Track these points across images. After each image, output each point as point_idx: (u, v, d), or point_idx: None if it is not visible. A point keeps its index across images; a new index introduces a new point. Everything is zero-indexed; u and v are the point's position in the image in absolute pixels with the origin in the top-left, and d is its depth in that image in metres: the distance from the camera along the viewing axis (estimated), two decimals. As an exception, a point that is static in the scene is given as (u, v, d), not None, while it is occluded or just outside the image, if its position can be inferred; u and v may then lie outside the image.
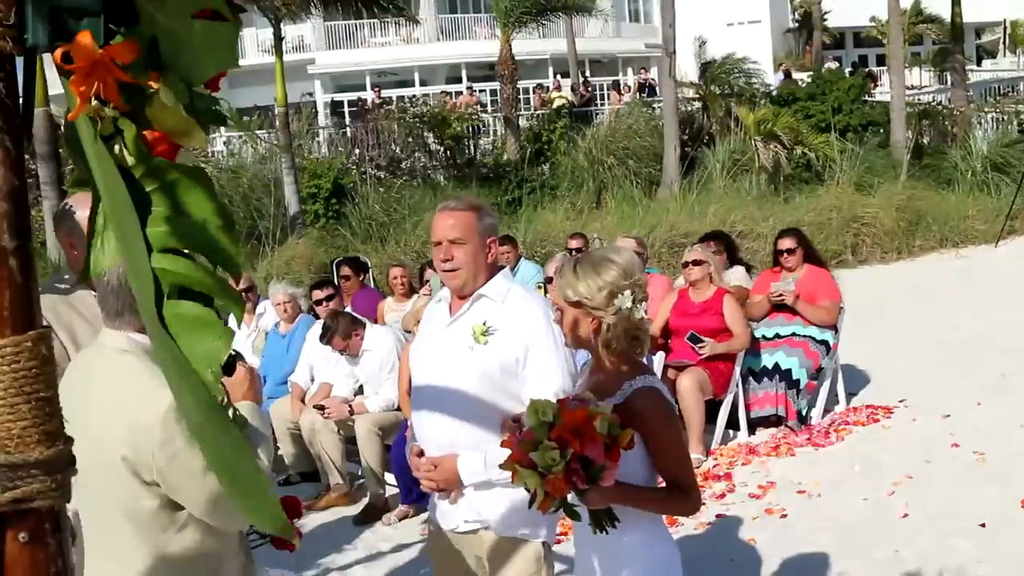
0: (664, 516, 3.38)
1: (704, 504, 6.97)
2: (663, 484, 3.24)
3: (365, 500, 7.64)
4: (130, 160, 1.36)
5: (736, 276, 9.34)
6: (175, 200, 1.35)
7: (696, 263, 8.39)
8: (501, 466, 3.01)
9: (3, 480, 1.37)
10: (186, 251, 1.36)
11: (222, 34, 1.31)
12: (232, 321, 9.85)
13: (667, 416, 3.17)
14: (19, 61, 1.39)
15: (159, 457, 2.65)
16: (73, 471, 1.46)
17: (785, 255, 8.92)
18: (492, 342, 3.64)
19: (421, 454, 3.78)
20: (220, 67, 1.34)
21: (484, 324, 3.65)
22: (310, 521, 7.44)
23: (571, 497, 2.93)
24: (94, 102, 1.31)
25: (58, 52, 1.28)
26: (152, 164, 1.36)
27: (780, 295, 8.66)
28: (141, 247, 1.33)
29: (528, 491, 2.89)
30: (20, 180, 1.38)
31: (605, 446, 2.82)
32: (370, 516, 7.43)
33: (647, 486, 3.17)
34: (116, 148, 1.36)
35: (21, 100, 1.39)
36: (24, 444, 1.38)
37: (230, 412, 1.39)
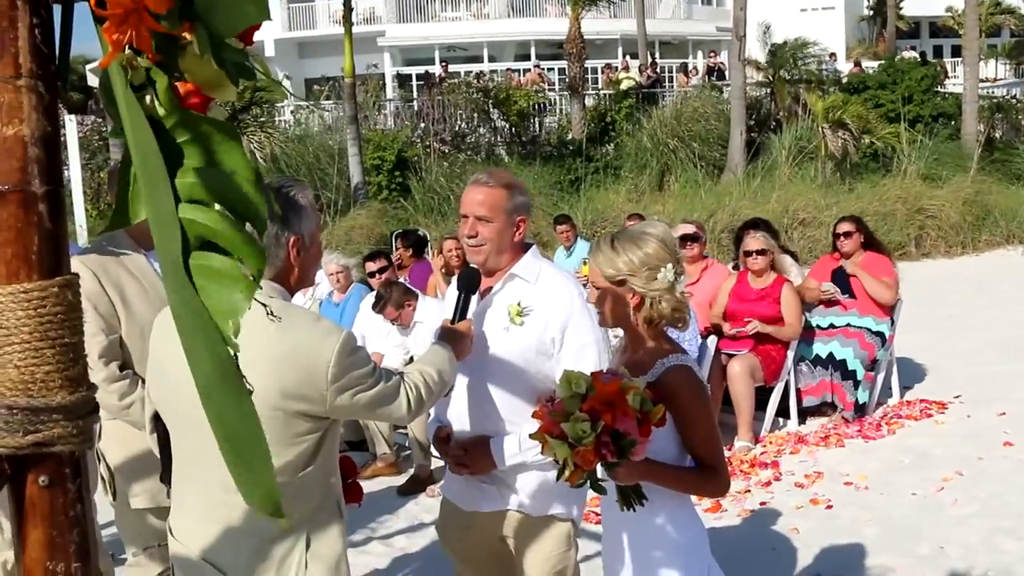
0: (696, 498, 3.35)
1: (749, 491, 6.96)
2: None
3: (410, 471, 7.68)
4: (161, 111, 1.36)
5: (788, 266, 9.28)
6: (204, 152, 1.35)
7: (761, 252, 8.31)
8: (531, 436, 3.00)
9: (25, 423, 1.38)
10: (213, 204, 1.36)
11: (252, -13, 1.31)
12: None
13: (698, 395, 3.13)
14: (57, 10, 1.40)
15: (336, 386, 2.82)
16: (96, 418, 1.48)
17: (842, 238, 8.90)
18: (528, 323, 3.60)
19: (448, 438, 3.75)
20: (251, 20, 1.34)
21: (519, 305, 3.61)
22: (355, 489, 7.50)
23: (600, 472, 2.92)
24: (127, 51, 1.32)
25: (93, -1, 1.28)
26: (182, 115, 1.36)
27: (831, 294, 8.64)
28: (169, 197, 1.33)
29: (557, 463, 2.89)
30: (53, 127, 1.39)
31: (637, 421, 2.80)
32: (414, 487, 7.47)
33: (676, 465, 3.14)
34: (148, 98, 1.36)
35: (58, 48, 1.41)
36: (47, 389, 1.39)
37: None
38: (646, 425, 2.84)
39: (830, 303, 8.78)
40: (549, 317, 3.60)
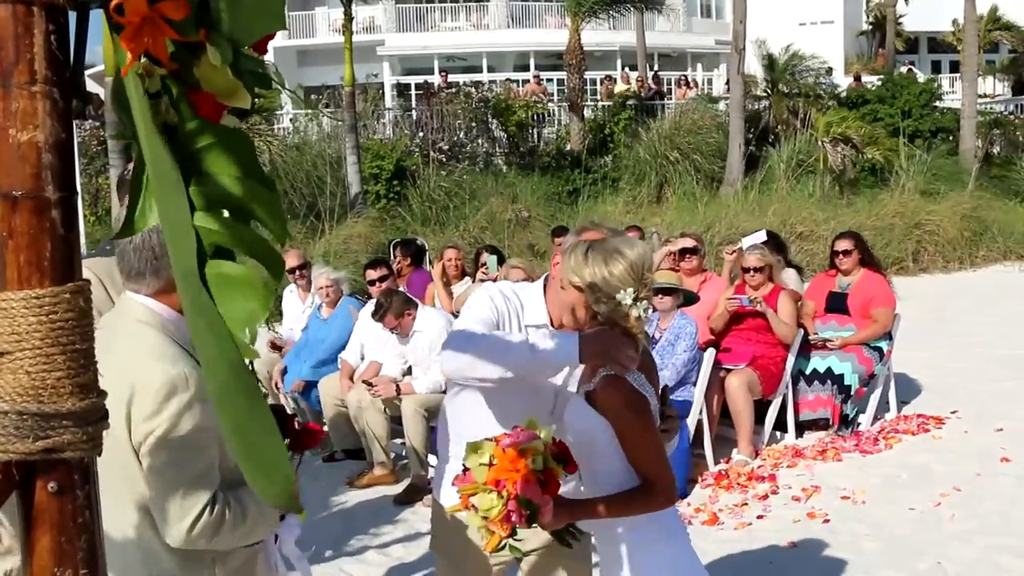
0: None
1: (746, 504, 6.95)
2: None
3: (407, 480, 7.66)
4: (175, 118, 1.36)
5: (788, 279, 9.27)
6: (218, 160, 1.36)
7: (758, 270, 8.31)
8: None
9: (35, 429, 1.38)
10: (226, 211, 1.36)
11: (270, -4, 1.31)
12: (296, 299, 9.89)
13: (627, 405, 3.07)
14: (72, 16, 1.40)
15: (141, 429, 2.66)
16: (105, 425, 1.47)
17: (841, 256, 8.92)
18: None
19: None
20: (267, 29, 1.34)
21: None
22: (351, 498, 7.52)
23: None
24: (143, 59, 1.32)
25: (113, 3, 1.28)
26: (196, 124, 1.36)
27: (825, 341, 8.65)
28: (184, 206, 1.33)
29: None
30: (67, 133, 1.39)
31: (540, 483, 2.81)
32: (411, 496, 7.46)
33: (600, 496, 3.10)
34: (162, 106, 1.36)
35: (72, 55, 1.41)
36: (57, 395, 1.39)
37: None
38: (552, 483, 2.85)
39: (833, 311, 8.81)
40: None
